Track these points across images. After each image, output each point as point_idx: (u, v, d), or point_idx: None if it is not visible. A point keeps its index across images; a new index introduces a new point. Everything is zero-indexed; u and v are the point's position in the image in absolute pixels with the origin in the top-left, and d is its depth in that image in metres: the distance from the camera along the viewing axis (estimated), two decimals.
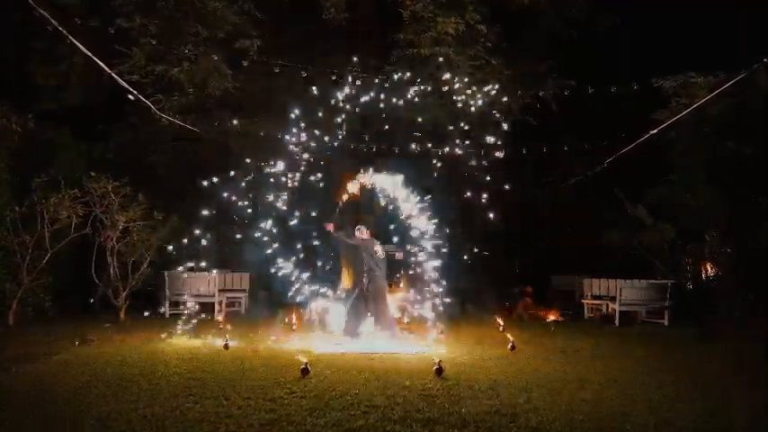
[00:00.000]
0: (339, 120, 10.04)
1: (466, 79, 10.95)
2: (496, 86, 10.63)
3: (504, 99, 11.80)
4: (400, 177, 8.80)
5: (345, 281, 8.92)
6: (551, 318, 11.41)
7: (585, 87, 12.02)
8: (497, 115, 11.47)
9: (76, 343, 7.50)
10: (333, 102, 9.73)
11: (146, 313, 10.45)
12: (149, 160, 12.22)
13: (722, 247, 10.71)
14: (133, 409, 4.62)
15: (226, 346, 7.34)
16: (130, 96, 8.43)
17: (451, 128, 11.65)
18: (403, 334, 8.56)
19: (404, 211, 8.81)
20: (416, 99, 10.45)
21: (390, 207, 9.19)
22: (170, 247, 10.24)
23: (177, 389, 5.21)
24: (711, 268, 12.61)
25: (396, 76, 10.23)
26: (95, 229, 10.25)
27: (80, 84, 11.50)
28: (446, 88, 10.40)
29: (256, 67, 11.16)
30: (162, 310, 10.67)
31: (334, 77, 10.28)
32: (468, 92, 11.11)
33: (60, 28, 6.23)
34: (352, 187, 9.02)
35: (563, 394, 5.30)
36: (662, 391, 5.50)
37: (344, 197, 9.10)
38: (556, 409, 4.82)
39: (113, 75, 7.94)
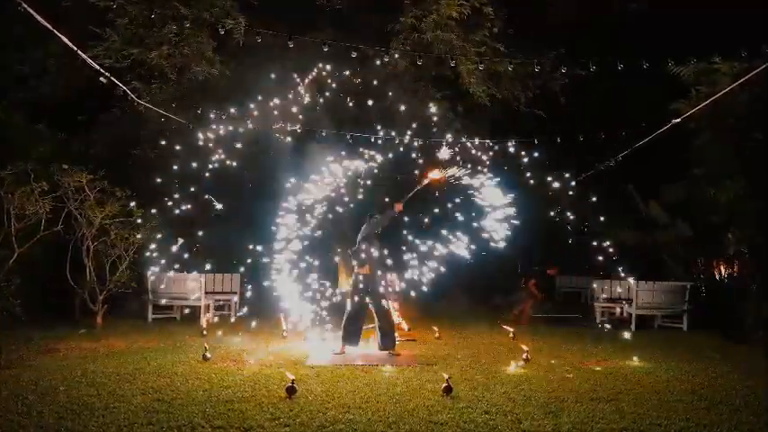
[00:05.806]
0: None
1: (471, 67, 10.14)
2: (510, 67, 9.75)
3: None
4: None
5: (344, 282, 8.15)
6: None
7: (597, 76, 11.21)
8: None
9: None
10: None
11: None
12: (131, 153, 11.36)
13: (748, 245, 9.91)
14: None
15: (204, 358, 6.52)
16: (102, 80, 7.60)
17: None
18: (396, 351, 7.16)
19: None
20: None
21: None
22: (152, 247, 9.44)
23: (137, 414, 4.36)
24: (726, 269, 11.87)
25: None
26: (70, 226, 9.43)
27: (57, 71, 10.69)
28: (453, 64, 9.49)
29: (244, 53, 10.31)
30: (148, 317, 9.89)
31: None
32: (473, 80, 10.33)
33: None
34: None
35: (595, 418, 4.50)
36: (711, 412, 4.71)
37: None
38: None
39: (83, 55, 7.12)
